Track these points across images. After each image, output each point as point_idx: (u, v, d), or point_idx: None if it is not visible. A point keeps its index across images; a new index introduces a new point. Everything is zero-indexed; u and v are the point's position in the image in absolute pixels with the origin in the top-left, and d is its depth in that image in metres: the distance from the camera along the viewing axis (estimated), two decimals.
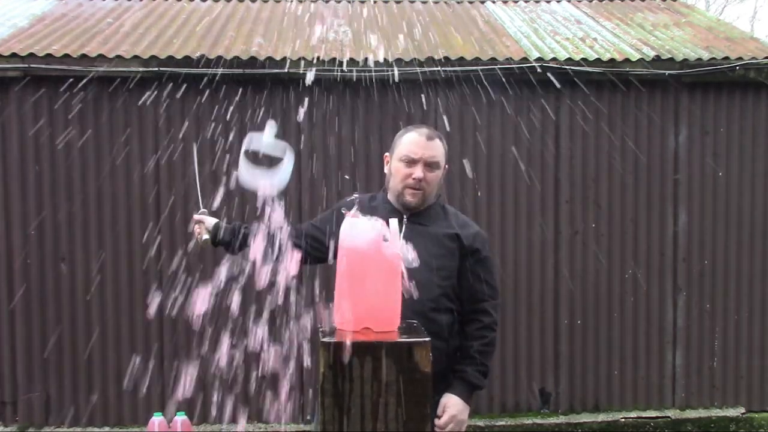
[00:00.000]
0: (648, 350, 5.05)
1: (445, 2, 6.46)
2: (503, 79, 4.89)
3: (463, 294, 2.19)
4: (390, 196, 2.25)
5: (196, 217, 2.40)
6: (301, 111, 4.81)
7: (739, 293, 5.10)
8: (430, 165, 2.15)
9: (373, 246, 1.44)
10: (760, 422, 5.02)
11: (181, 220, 4.76)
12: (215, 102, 4.79)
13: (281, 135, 5.05)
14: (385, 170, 2.27)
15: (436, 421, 2.06)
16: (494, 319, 2.23)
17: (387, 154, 2.28)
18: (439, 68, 4.76)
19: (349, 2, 6.42)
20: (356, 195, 2.30)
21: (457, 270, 2.17)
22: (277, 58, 4.70)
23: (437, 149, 2.17)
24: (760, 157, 5.10)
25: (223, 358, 4.80)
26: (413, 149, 2.14)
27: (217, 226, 2.35)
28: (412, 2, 6.47)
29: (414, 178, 2.12)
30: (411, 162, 2.14)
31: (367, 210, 2.14)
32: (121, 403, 4.75)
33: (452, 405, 2.09)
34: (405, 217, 2.18)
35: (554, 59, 4.85)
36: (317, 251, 2.25)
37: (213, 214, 4.88)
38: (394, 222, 1.48)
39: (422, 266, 2.10)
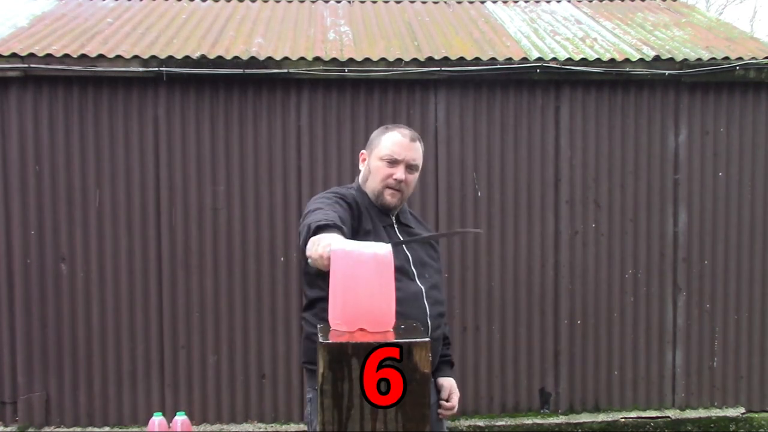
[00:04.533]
0: (648, 350, 5.05)
1: (445, 2, 6.46)
2: (503, 79, 4.89)
3: None
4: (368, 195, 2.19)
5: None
6: (303, 111, 4.81)
7: (739, 293, 5.10)
8: (410, 167, 2.11)
9: (364, 247, 1.45)
10: (760, 422, 5.02)
11: (181, 219, 4.77)
12: (215, 102, 4.79)
13: (280, 135, 5.09)
14: (361, 167, 2.21)
15: (446, 404, 2.12)
16: None
17: (363, 151, 2.21)
18: (439, 68, 4.76)
19: (349, 2, 6.42)
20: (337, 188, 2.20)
21: None
22: (277, 58, 4.70)
23: (418, 151, 2.14)
24: (760, 157, 5.10)
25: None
26: (396, 150, 2.09)
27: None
28: (412, 2, 6.47)
29: (395, 179, 2.08)
30: (393, 162, 2.09)
31: (361, 206, 2.10)
32: (121, 403, 4.75)
33: (456, 388, 2.16)
34: (394, 220, 2.16)
35: (554, 59, 4.85)
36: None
37: (214, 213, 4.90)
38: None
39: (432, 270, 2.14)
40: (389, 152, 2.09)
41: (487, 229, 4.92)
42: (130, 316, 4.75)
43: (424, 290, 2.05)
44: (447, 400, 2.11)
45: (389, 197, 2.10)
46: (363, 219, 2.04)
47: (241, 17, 5.82)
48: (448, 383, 2.13)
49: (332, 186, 4.76)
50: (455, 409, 2.12)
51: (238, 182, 4.81)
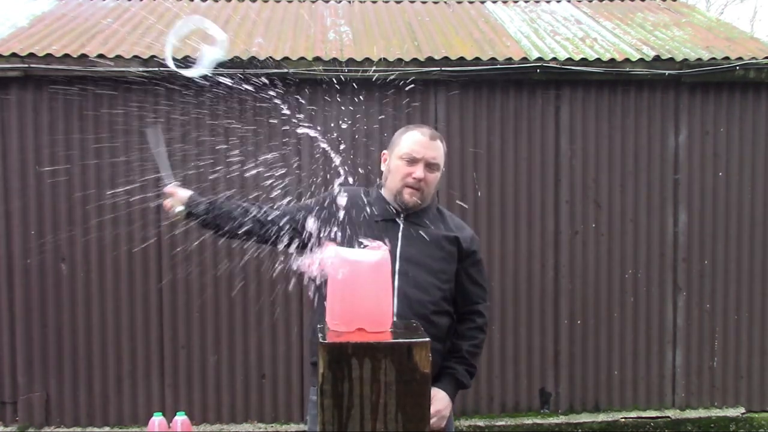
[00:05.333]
0: (648, 350, 5.05)
1: (445, 2, 6.46)
2: (503, 79, 4.89)
3: (458, 296, 2.21)
4: (386, 194, 2.20)
5: (167, 189, 2.28)
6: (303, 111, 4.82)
7: (739, 293, 5.10)
8: (430, 166, 2.12)
9: (361, 253, 1.47)
10: (760, 422, 5.02)
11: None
12: (215, 102, 4.79)
13: (280, 135, 5.04)
14: (382, 168, 2.24)
15: None
16: (486, 320, 2.25)
17: (385, 152, 2.25)
18: (439, 68, 4.76)
19: (349, 2, 6.42)
20: (339, 185, 2.14)
21: (455, 272, 2.18)
22: (278, 58, 4.70)
23: (439, 150, 2.15)
24: (760, 157, 5.10)
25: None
26: (416, 148, 2.11)
27: (192, 198, 2.26)
28: (413, 2, 6.47)
29: (414, 178, 2.10)
30: (412, 161, 2.11)
31: (360, 204, 2.15)
32: (121, 403, 4.75)
33: (439, 399, 2.08)
34: (402, 217, 2.16)
35: (554, 59, 4.85)
36: (294, 231, 2.19)
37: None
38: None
39: (423, 269, 2.10)
40: (408, 151, 2.11)
41: (487, 228, 4.92)
42: (130, 316, 4.75)
43: (397, 287, 2.02)
44: None
45: (408, 196, 2.12)
46: (347, 212, 2.07)
47: (241, 17, 5.82)
48: (432, 393, 1.96)
49: (331, 186, 4.78)
50: (432, 420, 2.01)
51: (238, 182, 4.80)
